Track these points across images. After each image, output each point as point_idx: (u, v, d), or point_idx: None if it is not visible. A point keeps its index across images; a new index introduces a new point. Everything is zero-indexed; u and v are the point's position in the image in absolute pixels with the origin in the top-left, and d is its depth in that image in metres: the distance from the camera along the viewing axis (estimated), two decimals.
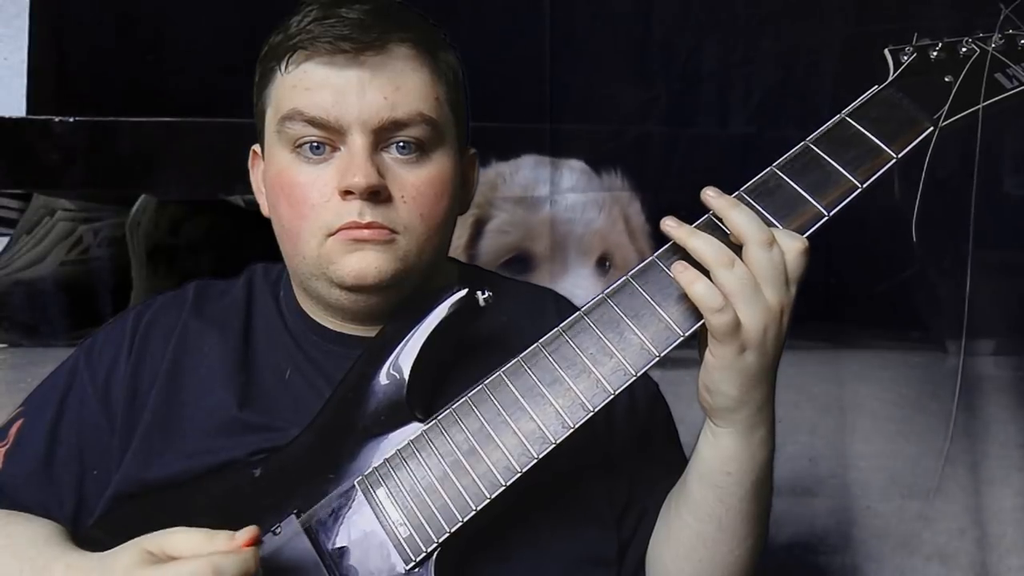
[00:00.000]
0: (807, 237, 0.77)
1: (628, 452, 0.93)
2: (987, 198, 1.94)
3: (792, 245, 0.75)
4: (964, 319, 0.91)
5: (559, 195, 1.98)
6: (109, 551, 0.76)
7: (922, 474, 1.81)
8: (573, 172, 1.99)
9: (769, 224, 0.77)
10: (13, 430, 0.93)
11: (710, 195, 0.78)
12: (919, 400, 1.89)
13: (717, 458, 0.81)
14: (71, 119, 1.86)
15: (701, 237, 0.75)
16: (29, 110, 1.88)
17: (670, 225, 0.77)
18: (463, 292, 0.86)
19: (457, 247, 1.95)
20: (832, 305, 1.94)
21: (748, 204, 0.78)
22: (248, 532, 0.73)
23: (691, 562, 0.86)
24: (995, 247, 1.89)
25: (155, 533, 0.74)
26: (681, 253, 0.76)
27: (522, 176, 1.99)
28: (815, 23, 1.99)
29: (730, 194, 0.79)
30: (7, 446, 0.92)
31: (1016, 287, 1.92)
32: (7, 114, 1.87)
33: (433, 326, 0.85)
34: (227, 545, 0.71)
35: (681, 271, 0.74)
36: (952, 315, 1.87)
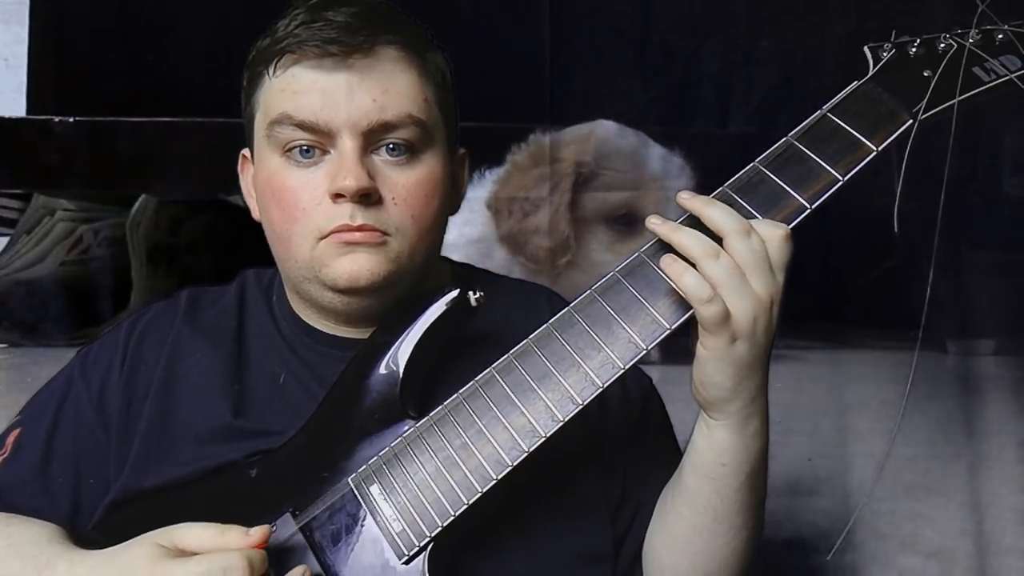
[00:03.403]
0: (793, 229, 0.77)
1: (622, 446, 0.93)
2: (986, 198, 1.94)
3: (773, 233, 0.76)
4: (923, 317, 0.91)
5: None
6: (114, 548, 0.77)
7: (922, 474, 1.81)
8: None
9: (752, 218, 0.77)
10: (10, 439, 0.94)
11: (684, 198, 0.78)
12: (918, 400, 1.89)
13: (712, 450, 0.81)
14: (71, 119, 1.86)
15: (685, 232, 0.76)
16: (29, 110, 1.88)
17: (654, 223, 0.78)
18: (455, 292, 0.86)
19: (559, 205, 1.95)
20: (831, 305, 1.94)
21: (732, 200, 0.79)
22: (260, 532, 0.74)
23: (687, 554, 0.86)
24: (995, 247, 1.89)
25: (165, 528, 0.76)
26: (667, 249, 0.77)
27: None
28: (815, 23, 1.99)
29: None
30: (4, 455, 0.93)
31: (1016, 287, 1.92)
32: (7, 114, 1.87)
33: (426, 327, 0.86)
34: (241, 542, 0.74)
35: (669, 264, 0.75)
36: (952, 315, 1.87)
